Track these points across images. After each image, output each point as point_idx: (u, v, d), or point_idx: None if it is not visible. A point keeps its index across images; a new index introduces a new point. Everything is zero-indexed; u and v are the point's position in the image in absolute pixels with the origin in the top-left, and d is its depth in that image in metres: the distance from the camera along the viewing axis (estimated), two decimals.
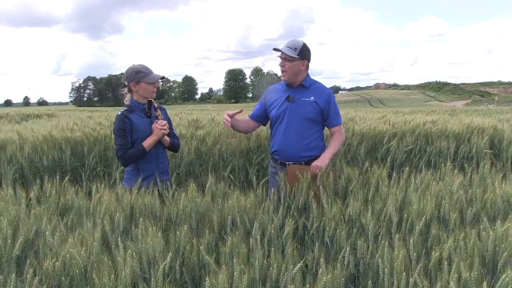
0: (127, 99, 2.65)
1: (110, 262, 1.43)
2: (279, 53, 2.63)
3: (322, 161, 2.49)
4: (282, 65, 2.62)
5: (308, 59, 2.64)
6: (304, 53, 2.59)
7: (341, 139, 2.69)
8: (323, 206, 2.07)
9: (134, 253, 1.50)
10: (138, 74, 2.56)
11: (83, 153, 3.92)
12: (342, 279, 1.47)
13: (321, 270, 1.41)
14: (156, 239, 1.58)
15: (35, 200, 2.10)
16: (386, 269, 1.51)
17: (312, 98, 2.62)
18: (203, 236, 1.74)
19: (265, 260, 1.53)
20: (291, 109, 2.63)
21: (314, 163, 2.48)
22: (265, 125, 2.95)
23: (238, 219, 1.89)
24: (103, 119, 6.50)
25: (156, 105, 2.70)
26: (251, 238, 1.73)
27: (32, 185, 2.22)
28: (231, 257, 1.57)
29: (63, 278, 1.46)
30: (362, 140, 4.19)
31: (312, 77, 2.73)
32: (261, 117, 2.83)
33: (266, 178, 2.92)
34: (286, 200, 2.22)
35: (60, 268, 1.47)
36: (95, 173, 3.84)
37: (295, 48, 2.57)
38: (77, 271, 1.47)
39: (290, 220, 1.88)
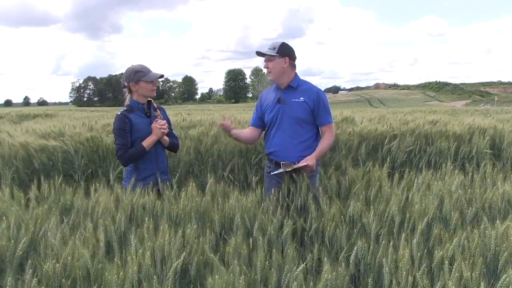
0: (127, 100, 2.66)
1: (119, 261, 1.43)
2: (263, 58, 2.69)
3: (311, 160, 2.53)
4: (266, 66, 2.68)
5: (290, 56, 2.66)
6: (283, 50, 2.63)
7: (330, 138, 2.70)
8: (322, 206, 2.07)
9: (147, 251, 1.51)
10: (137, 74, 2.56)
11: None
12: (346, 277, 1.46)
13: (325, 268, 1.41)
14: (171, 237, 1.59)
15: (34, 201, 2.09)
16: (390, 269, 1.50)
17: (302, 98, 2.64)
18: (204, 235, 1.74)
19: (267, 262, 1.53)
20: (282, 111, 2.66)
21: (305, 162, 2.52)
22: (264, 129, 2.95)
23: (239, 219, 1.88)
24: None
25: (155, 105, 2.70)
26: (251, 238, 1.72)
27: (27, 187, 2.22)
28: (235, 257, 1.57)
29: (63, 280, 1.45)
30: (363, 141, 4.18)
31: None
32: (263, 122, 2.84)
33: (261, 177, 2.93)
34: (285, 200, 2.22)
35: (61, 270, 1.46)
36: (91, 173, 3.83)
37: (274, 48, 2.63)
38: (79, 272, 1.47)
39: (289, 220, 1.87)
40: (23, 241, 1.60)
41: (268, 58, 2.65)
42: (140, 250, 1.51)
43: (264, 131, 2.92)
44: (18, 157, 3.70)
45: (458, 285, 1.40)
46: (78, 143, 3.99)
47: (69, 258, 1.49)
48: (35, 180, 2.25)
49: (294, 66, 2.70)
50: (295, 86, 2.68)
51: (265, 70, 2.72)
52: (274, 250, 1.57)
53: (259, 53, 2.68)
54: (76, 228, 1.83)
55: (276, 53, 2.61)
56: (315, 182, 2.50)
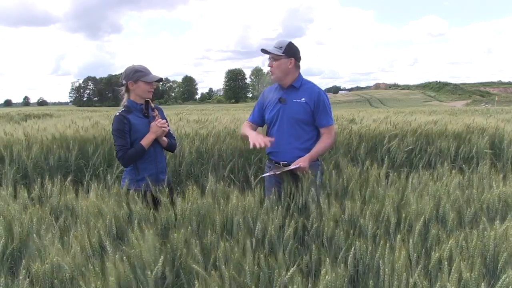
0: (124, 100, 2.67)
1: (97, 268, 1.41)
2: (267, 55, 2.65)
3: (304, 161, 2.51)
4: (270, 65, 2.65)
5: (296, 57, 2.62)
6: (289, 51, 2.59)
7: (328, 141, 2.66)
8: (321, 206, 2.08)
9: (125, 258, 1.49)
10: (137, 73, 2.57)
11: (88, 153, 3.94)
12: (346, 279, 1.47)
13: (323, 271, 1.41)
14: (148, 243, 1.56)
15: (34, 200, 2.09)
16: (386, 270, 1.51)
17: (304, 99, 2.61)
18: (205, 237, 1.73)
19: (256, 266, 1.51)
20: (283, 111, 2.64)
21: (297, 163, 2.50)
22: (262, 126, 2.95)
23: (241, 219, 1.88)
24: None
25: (153, 105, 2.70)
26: (253, 239, 1.72)
27: (34, 185, 2.22)
28: (223, 262, 1.56)
29: (55, 281, 1.45)
30: (362, 140, 4.19)
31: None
32: (262, 119, 2.83)
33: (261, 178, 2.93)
34: (286, 200, 2.23)
35: (50, 271, 1.46)
36: (98, 173, 3.85)
37: (281, 47, 2.58)
38: (66, 275, 1.46)
39: (291, 220, 1.87)
40: (1, 241, 1.59)
41: (273, 57, 2.61)
42: (117, 256, 1.49)
43: (260, 127, 2.90)
44: (31, 155, 3.72)
45: (458, 286, 1.40)
46: (104, 138, 4.05)
47: (54, 260, 1.48)
48: (39, 180, 2.26)
49: (298, 67, 2.66)
50: (298, 86, 2.65)
51: (268, 69, 2.68)
52: (261, 255, 1.54)
53: (264, 51, 2.65)
54: (69, 229, 1.82)
55: (283, 53, 2.57)
56: (318, 181, 2.48)
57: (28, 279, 1.39)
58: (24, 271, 1.42)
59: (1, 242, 1.60)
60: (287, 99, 2.64)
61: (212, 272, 1.43)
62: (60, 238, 1.70)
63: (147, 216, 1.96)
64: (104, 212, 1.91)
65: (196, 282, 1.35)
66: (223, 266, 1.51)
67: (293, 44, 2.63)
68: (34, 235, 1.67)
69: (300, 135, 2.63)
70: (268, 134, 2.79)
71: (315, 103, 2.61)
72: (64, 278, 1.46)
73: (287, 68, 2.60)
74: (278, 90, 2.72)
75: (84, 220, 1.89)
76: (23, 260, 1.48)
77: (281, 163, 2.63)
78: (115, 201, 2.00)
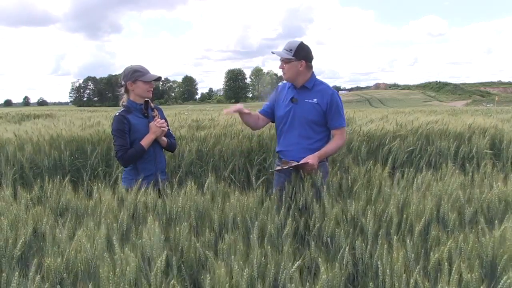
0: (123, 100, 2.67)
1: (110, 259, 1.44)
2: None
3: (313, 158, 2.50)
4: (281, 67, 2.66)
5: (307, 59, 2.62)
6: (300, 53, 2.58)
7: (339, 142, 2.67)
8: (324, 206, 2.08)
9: (135, 250, 1.52)
10: (135, 73, 2.58)
11: (86, 153, 3.94)
12: (343, 278, 1.47)
13: (322, 269, 1.41)
14: (154, 236, 1.59)
15: (35, 200, 2.10)
16: (386, 270, 1.51)
17: (316, 100, 2.62)
18: (203, 234, 1.74)
19: (263, 258, 1.54)
20: (294, 111, 2.64)
21: (306, 160, 2.49)
22: (273, 122, 2.94)
23: (239, 218, 1.89)
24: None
25: (152, 105, 2.71)
26: (251, 237, 1.73)
27: (32, 185, 2.23)
28: (229, 254, 1.58)
29: (65, 274, 1.46)
30: (364, 141, 4.20)
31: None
32: (271, 113, 2.83)
33: (265, 177, 2.93)
34: (287, 200, 2.23)
35: (63, 265, 1.47)
36: (96, 173, 3.85)
37: (291, 50, 2.58)
38: (82, 267, 1.48)
39: (290, 220, 1.88)
40: (21, 241, 1.60)
41: (284, 60, 2.62)
42: (126, 249, 1.51)
43: (267, 123, 2.90)
44: (26, 156, 3.72)
45: (458, 287, 1.40)
46: (104, 136, 4.07)
47: (72, 252, 1.51)
48: (38, 180, 2.26)
49: (310, 67, 2.66)
50: (310, 87, 2.65)
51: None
52: (269, 247, 1.57)
53: (274, 53, 2.65)
54: (76, 227, 1.84)
55: (293, 55, 2.57)
56: (324, 180, 2.48)
57: (39, 275, 1.40)
58: (34, 267, 1.43)
59: (20, 241, 1.61)
60: (299, 99, 2.65)
61: (218, 263, 1.45)
62: (72, 233, 1.72)
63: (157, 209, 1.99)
64: (126, 204, 1.95)
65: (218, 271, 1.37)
66: (232, 256, 1.53)
67: (304, 44, 2.62)
68: (57, 229, 1.70)
69: (310, 135, 2.64)
70: (278, 133, 2.80)
71: (327, 104, 2.61)
72: (79, 269, 1.48)
73: (298, 70, 2.61)
74: (292, 90, 2.72)
75: (97, 215, 1.91)
76: (35, 259, 1.49)
77: (290, 161, 2.63)
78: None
